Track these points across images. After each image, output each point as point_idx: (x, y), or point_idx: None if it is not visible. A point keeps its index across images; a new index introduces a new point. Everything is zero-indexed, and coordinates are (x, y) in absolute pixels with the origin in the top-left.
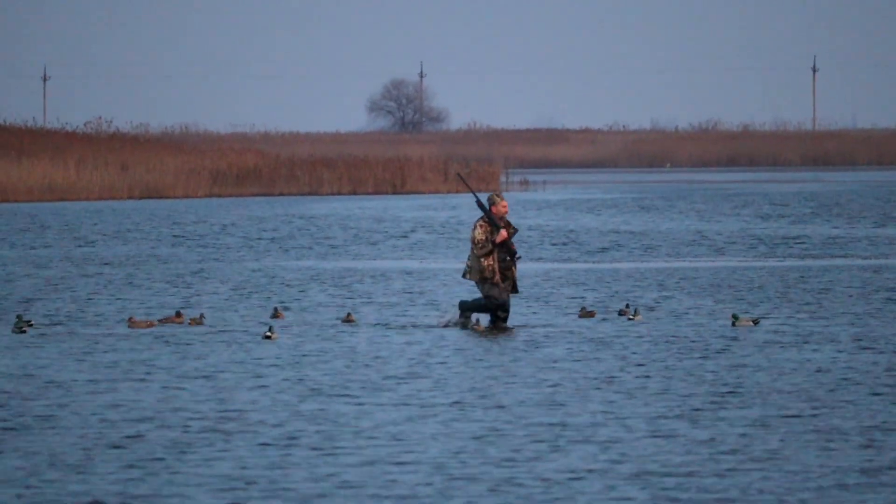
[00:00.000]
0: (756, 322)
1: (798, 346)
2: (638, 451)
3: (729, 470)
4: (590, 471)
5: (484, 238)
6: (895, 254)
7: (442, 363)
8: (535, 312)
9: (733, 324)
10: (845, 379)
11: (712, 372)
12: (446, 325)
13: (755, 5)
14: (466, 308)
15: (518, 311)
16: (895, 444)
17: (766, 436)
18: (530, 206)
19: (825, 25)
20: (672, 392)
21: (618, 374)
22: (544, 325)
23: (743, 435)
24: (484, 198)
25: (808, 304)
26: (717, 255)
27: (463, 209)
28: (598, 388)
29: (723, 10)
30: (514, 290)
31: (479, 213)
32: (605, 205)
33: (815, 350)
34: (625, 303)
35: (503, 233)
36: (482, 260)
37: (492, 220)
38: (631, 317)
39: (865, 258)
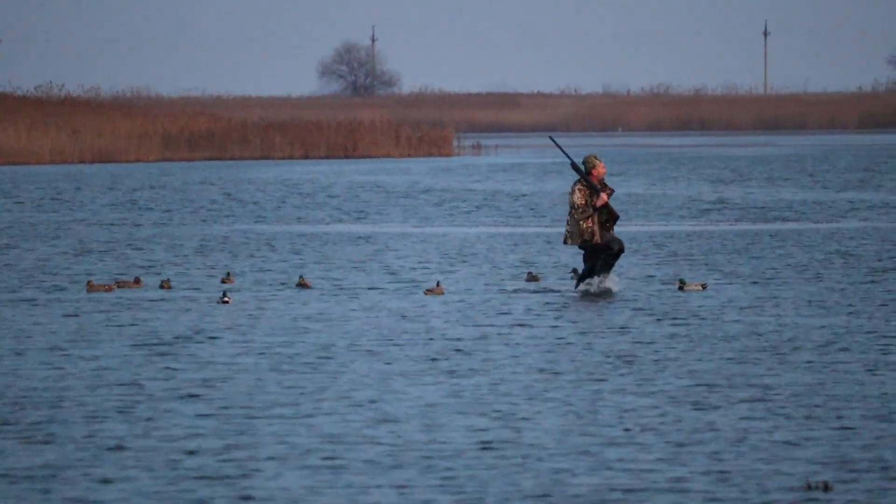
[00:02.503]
0: (704, 286)
1: (747, 309)
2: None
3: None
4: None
5: (584, 202)
6: (843, 218)
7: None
8: (486, 283)
9: (680, 288)
10: (789, 341)
11: (664, 336)
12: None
13: None
14: (581, 277)
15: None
16: (827, 404)
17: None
18: (481, 169)
19: None
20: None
21: (569, 339)
22: (502, 291)
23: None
24: (578, 160)
25: (754, 269)
26: (667, 220)
27: (410, 174)
28: (549, 352)
29: None
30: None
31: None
32: (557, 169)
33: (758, 314)
34: (572, 268)
35: (604, 196)
36: (581, 223)
37: (590, 183)
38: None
39: (816, 223)
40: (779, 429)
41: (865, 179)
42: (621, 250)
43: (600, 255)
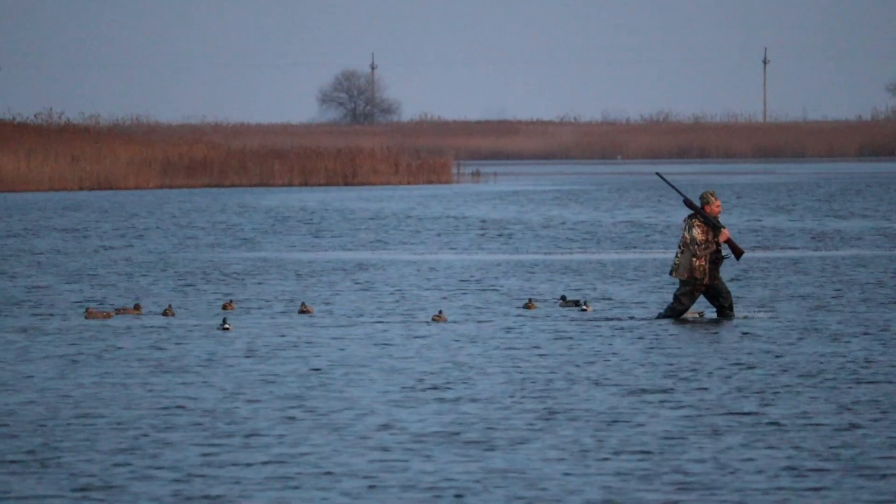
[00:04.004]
0: (701, 314)
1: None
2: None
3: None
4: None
5: (705, 238)
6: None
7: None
8: (478, 307)
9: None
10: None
11: (667, 363)
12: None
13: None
14: (673, 313)
15: (467, 304)
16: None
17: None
18: (481, 197)
19: (776, 17)
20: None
21: (574, 367)
22: (504, 316)
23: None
24: (694, 198)
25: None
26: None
27: (411, 200)
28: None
29: (674, 2)
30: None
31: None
32: (557, 197)
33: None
34: (560, 295)
35: (725, 232)
36: (694, 260)
37: (707, 219)
38: (583, 308)
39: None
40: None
41: None
42: (731, 306)
43: (679, 315)
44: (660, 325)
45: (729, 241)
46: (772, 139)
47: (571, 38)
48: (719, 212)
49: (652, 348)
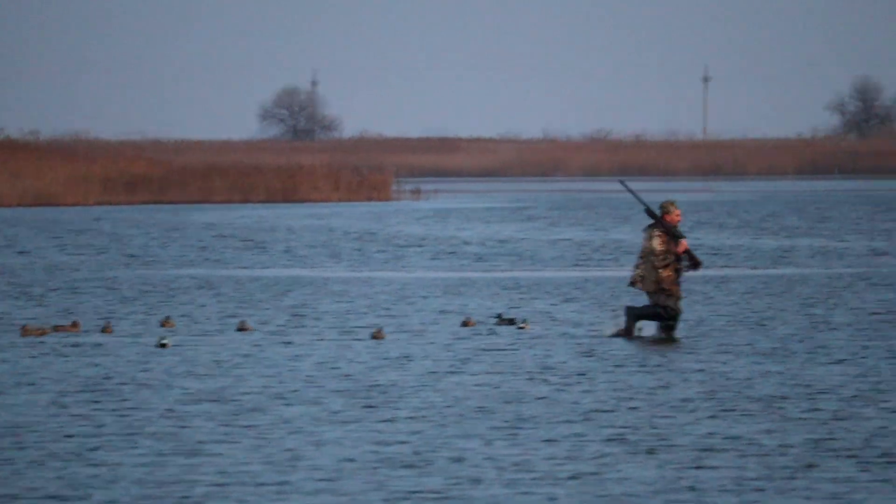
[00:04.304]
0: (639, 329)
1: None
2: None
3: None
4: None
5: (665, 249)
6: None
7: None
8: (421, 323)
9: (624, 333)
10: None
11: (615, 381)
12: (615, 335)
13: (647, 14)
14: (636, 315)
15: (410, 319)
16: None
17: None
18: (418, 214)
19: (717, 36)
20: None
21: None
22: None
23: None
24: (654, 207)
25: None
26: (623, 264)
27: (348, 218)
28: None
29: (615, 19)
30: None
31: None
32: (497, 214)
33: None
34: (497, 312)
35: (684, 242)
36: (660, 271)
37: (668, 229)
38: (521, 326)
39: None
40: None
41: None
42: (678, 314)
43: (669, 319)
44: (601, 342)
45: (687, 252)
46: (712, 157)
47: (512, 55)
48: (678, 221)
49: (593, 367)
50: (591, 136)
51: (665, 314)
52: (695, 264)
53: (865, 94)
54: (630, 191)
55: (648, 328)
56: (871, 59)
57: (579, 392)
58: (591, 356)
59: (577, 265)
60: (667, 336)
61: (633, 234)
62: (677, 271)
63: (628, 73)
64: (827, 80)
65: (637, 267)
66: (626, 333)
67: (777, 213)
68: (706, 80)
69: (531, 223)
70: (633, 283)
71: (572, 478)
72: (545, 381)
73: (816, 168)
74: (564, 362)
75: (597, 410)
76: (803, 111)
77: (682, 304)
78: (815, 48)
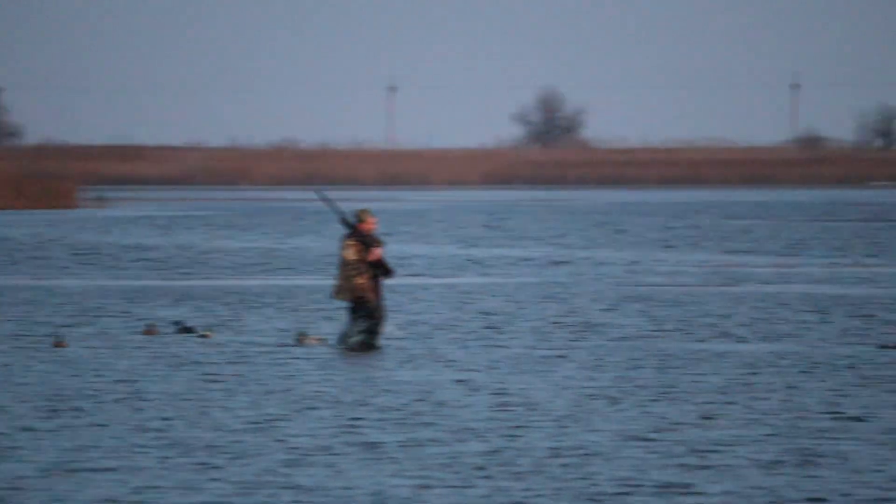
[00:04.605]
0: (322, 340)
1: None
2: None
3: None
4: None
5: (356, 258)
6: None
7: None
8: (103, 331)
9: (299, 342)
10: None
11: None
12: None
13: (327, 23)
14: (347, 336)
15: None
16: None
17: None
18: (101, 222)
19: (401, 45)
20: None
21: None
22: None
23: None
24: (349, 215)
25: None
26: (292, 273)
27: (32, 225)
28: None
29: (294, 28)
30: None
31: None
32: (181, 222)
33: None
34: (177, 320)
35: (376, 251)
36: (354, 279)
37: (362, 237)
38: (204, 334)
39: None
40: None
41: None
42: (382, 322)
43: (363, 318)
44: (285, 352)
45: (380, 260)
46: (397, 166)
47: (196, 63)
48: (372, 229)
49: (276, 375)
50: (278, 145)
51: (371, 317)
52: (386, 272)
53: (549, 105)
54: (325, 200)
55: (392, 329)
56: (554, 70)
57: (264, 400)
58: (281, 365)
59: (263, 272)
60: (367, 342)
61: (318, 242)
62: (375, 279)
63: (314, 81)
64: (512, 92)
65: (336, 278)
66: (367, 345)
67: (466, 222)
68: (391, 89)
69: (218, 230)
70: (333, 295)
71: (245, 483)
72: (226, 391)
73: (500, 178)
74: (260, 370)
75: (277, 419)
76: (488, 121)
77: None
78: (501, 58)
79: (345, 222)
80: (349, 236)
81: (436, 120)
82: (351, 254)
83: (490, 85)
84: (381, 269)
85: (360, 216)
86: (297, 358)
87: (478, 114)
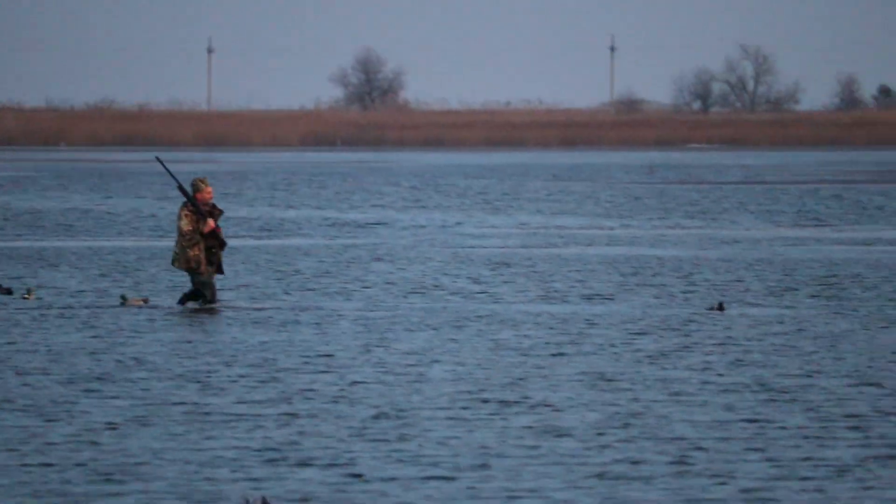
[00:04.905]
0: (146, 301)
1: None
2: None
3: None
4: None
5: (191, 229)
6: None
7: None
8: None
9: (122, 304)
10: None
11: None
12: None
13: None
14: (186, 297)
15: None
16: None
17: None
18: None
19: (220, 5)
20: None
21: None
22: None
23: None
24: (187, 183)
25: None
26: (129, 235)
27: None
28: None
29: None
30: (219, 271)
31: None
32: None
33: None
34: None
35: (210, 222)
36: (188, 250)
37: (197, 207)
38: (25, 296)
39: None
40: None
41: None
42: (211, 302)
43: (204, 296)
44: (106, 314)
45: (214, 232)
46: (217, 128)
47: (14, 22)
48: (210, 199)
49: (96, 336)
50: (95, 106)
51: (203, 291)
52: (220, 244)
53: (368, 67)
54: (165, 167)
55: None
56: (373, 32)
57: (87, 362)
58: (91, 328)
59: (81, 234)
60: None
61: (137, 203)
62: (209, 250)
63: (132, 41)
64: (330, 52)
65: (176, 245)
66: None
67: (288, 182)
68: (210, 51)
69: (37, 193)
70: (173, 262)
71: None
72: (49, 352)
73: (319, 139)
74: (77, 333)
75: (100, 378)
76: (307, 83)
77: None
78: (319, 21)
79: (182, 191)
80: (185, 205)
81: (255, 81)
82: (185, 224)
83: (309, 46)
84: (216, 241)
85: (197, 185)
86: (121, 318)
87: (297, 75)
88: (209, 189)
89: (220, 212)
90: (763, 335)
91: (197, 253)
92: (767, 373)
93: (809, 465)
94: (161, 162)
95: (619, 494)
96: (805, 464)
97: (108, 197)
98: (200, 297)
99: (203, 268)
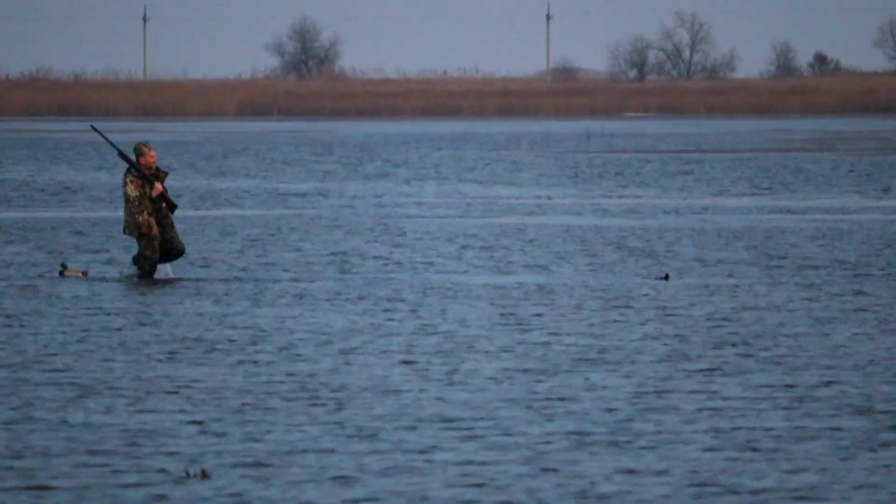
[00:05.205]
0: (85, 273)
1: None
2: None
3: None
4: None
5: (138, 194)
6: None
7: None
8: None
9: (61, 273)
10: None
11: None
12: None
13: None
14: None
15: None
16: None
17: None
18: None
19: None
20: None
21: None
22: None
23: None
24: (128, 149)
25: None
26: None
27: None
28: None
29: None
30: (171, 247)
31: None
32: None
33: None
34: None
35: (158, 186)
36: (137, 216)
37: (142, 172)
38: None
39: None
40: None
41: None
42: (182, 251)
43: (149, 269)
44: (46, 283)
45: (162, 195)
46: (153, 98)
47: None
48: (154, 162)
49: (34, 307)
50: (31, 75)
51: (143, 265)
52: (170, 207)
53: (304, 36)
54: (102, 136)
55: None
56: (308, 0)
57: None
58: (36, 297)
59: (22, 207)
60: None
61: (73, 173)
62: (157, 213)
63: (66, 9)
64: (266, 21)
65: (125, 213)
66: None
67: (223, 153)
68: (145, 19)
69: None
70: (124, 231)
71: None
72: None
73: (255, 109)
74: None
75: (45, 354)
76: (243, 52)
77: (181, 246)
78: None
79: (124, 157)
80: (129, 171)
81: (191, 50)
82: (131, 190)
83: (245, 15)
84: (164, 203)
85: (139, 149)
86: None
87: (233, 44)
88: (153, 153)
89: (165, 174)
90: (703, 304)
91: (147, 217)
92: (699, 346)
93: (748, 433)
94: (98, 131)
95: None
96: (744, 433)
97: (46, 168)
98: (138, 266)
99: (154, 230)
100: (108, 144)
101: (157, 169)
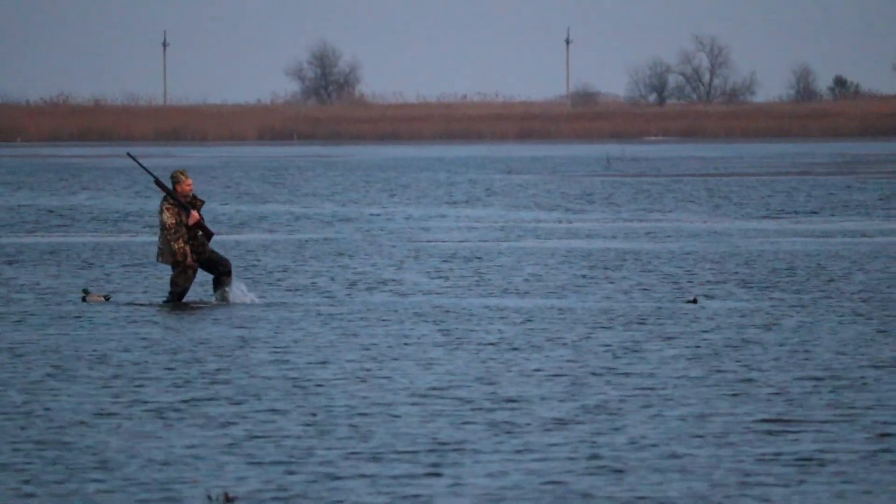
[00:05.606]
0: (107, 298)
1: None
2: None
3: None
4: None
5: (175, 222)
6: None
7: None
8: None
9: (83, 299)
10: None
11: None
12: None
13: None
14: (177, 297)
15: None
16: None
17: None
18: None
19: (175, 2)
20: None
21: None
22: None
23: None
24: (165, 178)
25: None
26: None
27: None
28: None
29: None
30: (213, 266)
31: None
32: None
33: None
34: None
35: (195, 214)
36: (173, 244)
37: (178, 200)
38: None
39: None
40: None
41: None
42: (229, 272)
43: (179, 298)
44: (70, 310)
45: (198, 223)
46: (173, 122)
47: None
48: (190, 190)
49: (62, 333)
50: (51, 101)
51: (174, 292)
52: (207, 235)
53: (324, 61)
54: (138, 163)
55: (237, 291)
56: (329, 25)
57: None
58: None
59: (39, 230)
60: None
61: (96, 199)
62: (197, 240)
63: (86, 35)
64: (286, 46)
65: (159, 241)
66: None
67: (245, 178)
68: (165, 45)
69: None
70: (157, 258)
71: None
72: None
73: (276, 134)
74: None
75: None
76: (262, 77)
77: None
78: (274, 14)
79: (160, 185)
80: (166, 199)
81: (211, 75)
82: (168, 217)
83: (264, 40)
84: (201, 231)
85: (176, 177)
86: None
87: (253, 70)
88: (189, 181)
89: (202, 202)
90: (733, 327)
91: (182, 245)
92: (733, 366)
93: (771, 461)
94: (134, 158)
95: (586, 489)
96: (767, 462)
97: (69, 193)
98: (169, 293)
99: (190, 259)
100: (143, 171)
101: (194, 197)
